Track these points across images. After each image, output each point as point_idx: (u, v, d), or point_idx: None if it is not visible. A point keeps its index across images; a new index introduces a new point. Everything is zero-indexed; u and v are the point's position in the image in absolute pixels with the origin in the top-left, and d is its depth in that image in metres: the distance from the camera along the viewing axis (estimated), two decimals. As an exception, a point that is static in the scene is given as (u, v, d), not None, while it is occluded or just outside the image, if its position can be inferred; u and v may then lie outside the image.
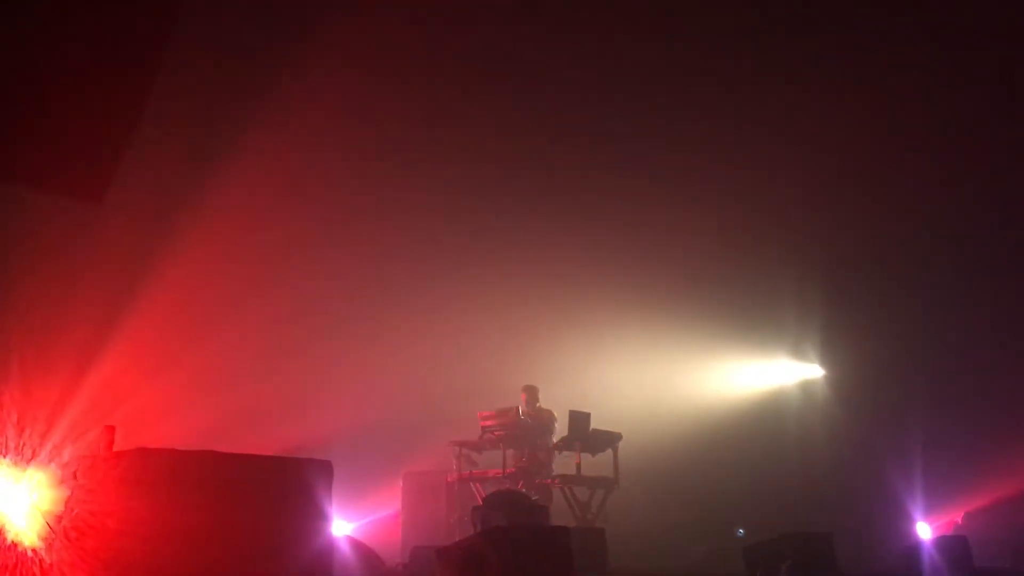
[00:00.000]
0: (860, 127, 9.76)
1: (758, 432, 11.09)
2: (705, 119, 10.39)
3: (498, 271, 11.07)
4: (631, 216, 11.26)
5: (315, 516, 4.89)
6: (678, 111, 10.38)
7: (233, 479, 4.74)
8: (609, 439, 8.97)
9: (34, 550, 4.53)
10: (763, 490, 10.34)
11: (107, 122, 6.84)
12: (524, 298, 11.34)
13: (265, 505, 4.79)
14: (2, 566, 4.47)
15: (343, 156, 10.54)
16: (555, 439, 9.10)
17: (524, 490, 8.45)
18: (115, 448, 5.15)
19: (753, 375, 11.92)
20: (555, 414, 9.26)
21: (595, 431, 8.82)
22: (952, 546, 6.95)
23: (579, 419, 8.71)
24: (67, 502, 4.50)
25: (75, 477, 4.51)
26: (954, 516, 9.65)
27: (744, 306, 11.58)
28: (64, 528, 4.41)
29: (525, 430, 8.97)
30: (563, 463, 9.20)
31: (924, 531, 9.56)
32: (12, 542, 4.57)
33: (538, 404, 9.37)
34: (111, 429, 5.32)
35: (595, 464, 9.01)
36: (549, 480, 8.81)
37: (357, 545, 6.31)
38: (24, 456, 5.15)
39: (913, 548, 7.35)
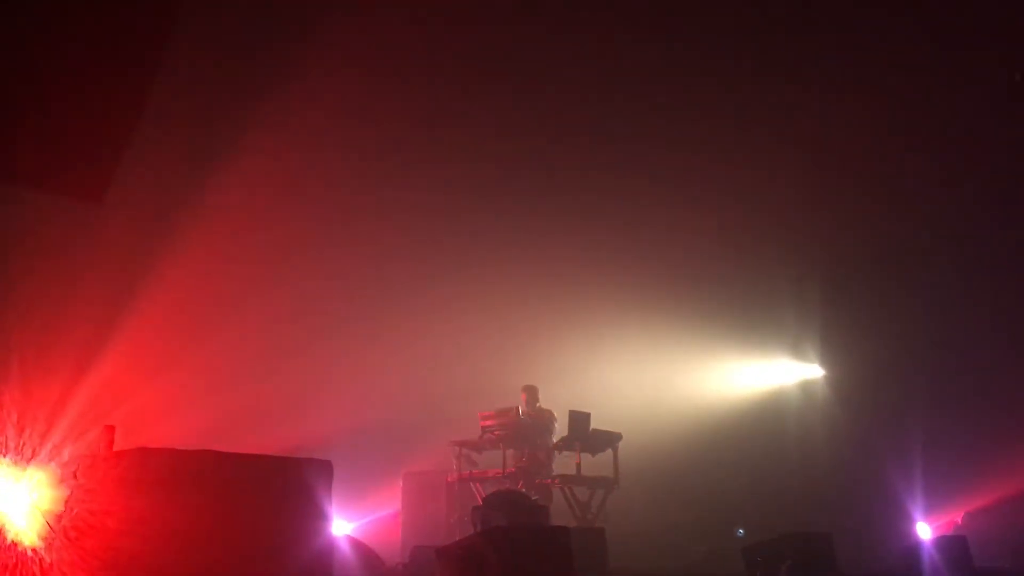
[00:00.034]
0: (860, 127, 9.75)
1: (758, 432, 11.09)
2: (705, 119, 10.38)
3: (498, 271, 11.07)
4: (631, 216, 11.26)
5: (315, 516, 4.89)
6: (678, 111, 10.38)
7: (233, 479, 4.75)
8: (609, 439, 8.97)
9: (34, 549, 4.53)
10: (763, 490, 10.34)
11: (107, 122, 6.85)
12: (524, 298, 11.34)
13: (265, 505, 4.79)
14: (2, 566, 4.48)
15: (343, 156, 10.54)
16: (555, 439, 9.10)
17: (524, 490, 8.45)
18: (115, 448, 5.15)
19: (753, 375, 11.92)
20: (555, 414, 9.26)
21: (595, 431, 8.82)
22: (952, 546, 6.95)
23: (579, 419, 8.71)
24: (67, 501, 4.50)
25: (75, 476, 4.51)
26: (954, 516, 9.64)
27: (744, 306, 11.58)
28: (64, 527, 4.41)
29: (525, 430, 8.97)
30: (563, 463, 9.20)
31: (924, 531, 9.55)
32: (12, 541, 4.57)
33: (538, 404, 9.37)
34: (111, 429, 5.32)
35: (595, 464, 9.01)
36: (549, 480, 8.81)
37: (357, 545, 6.31)
38: (24, 455, 5.15)
39: (913, 548, 7.36)
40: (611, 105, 10.64)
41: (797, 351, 11.75)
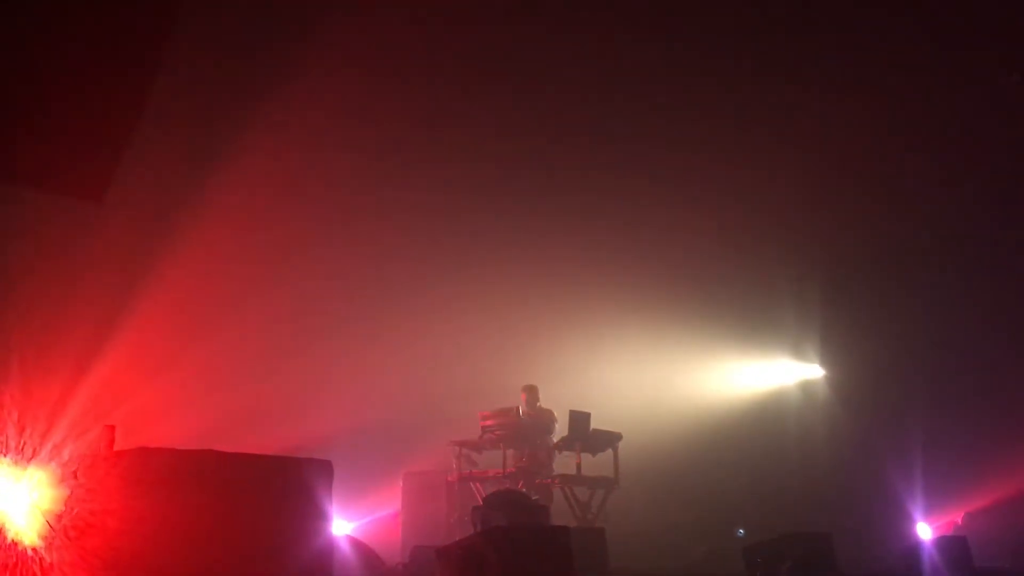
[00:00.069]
0: (860, 127, 9.75)
1: (758, 432, 11.10)
2: (705, 119, 10.38)
3: (498, 271, 11.07)
4: (631, 216, 11.26)
5: (315, 516, 4.90)
6: (678, 111, 10.37)
7: (233, 479, 4.75)
8: (609, 439, 8.97)
9: (34, 549, 4.53)
10: (763, 490, 10.34)
11: (107, 122, 6.84)
12: (524, 298, 11.33)
13: (265, 505, 4.79)
14: (2, 565, 4.47)
15: (343, 156, 10.53)
16: (555, 439, 9.10)
17: (524, 490, 8.45)
18: (115, 447, 5.16)
19: (753, 375, 11.92)
20: (555, 414, 9.26)
21: (595, 431, 8.82)
22: (952, 546, 6.95)
23: (579, 419, 8.71)
24: (67, 501, 4.50)
25: (75, 476, 4.51)
26: (954, 516, 9.65)
27: (744, 306, 11.58)
28: (64, 527, 4.42)
29: (525, 430, 8.97)
30: (563, 463, 9.20)
31: (924, 531, 9.56)
32: (12, 541, 4.57)
33: (538, 404, 9.37)
34: (111, 428, 5.32)
35: (595, 464, 9.02)
36: (549, 480, 8.81)
37: (357, 545, 6.31)
38: (24, 455, 5.14)
39: (913, 548, 7.36)
40: (611, 105, 10.64)
41: (797, 351, 11.75)
